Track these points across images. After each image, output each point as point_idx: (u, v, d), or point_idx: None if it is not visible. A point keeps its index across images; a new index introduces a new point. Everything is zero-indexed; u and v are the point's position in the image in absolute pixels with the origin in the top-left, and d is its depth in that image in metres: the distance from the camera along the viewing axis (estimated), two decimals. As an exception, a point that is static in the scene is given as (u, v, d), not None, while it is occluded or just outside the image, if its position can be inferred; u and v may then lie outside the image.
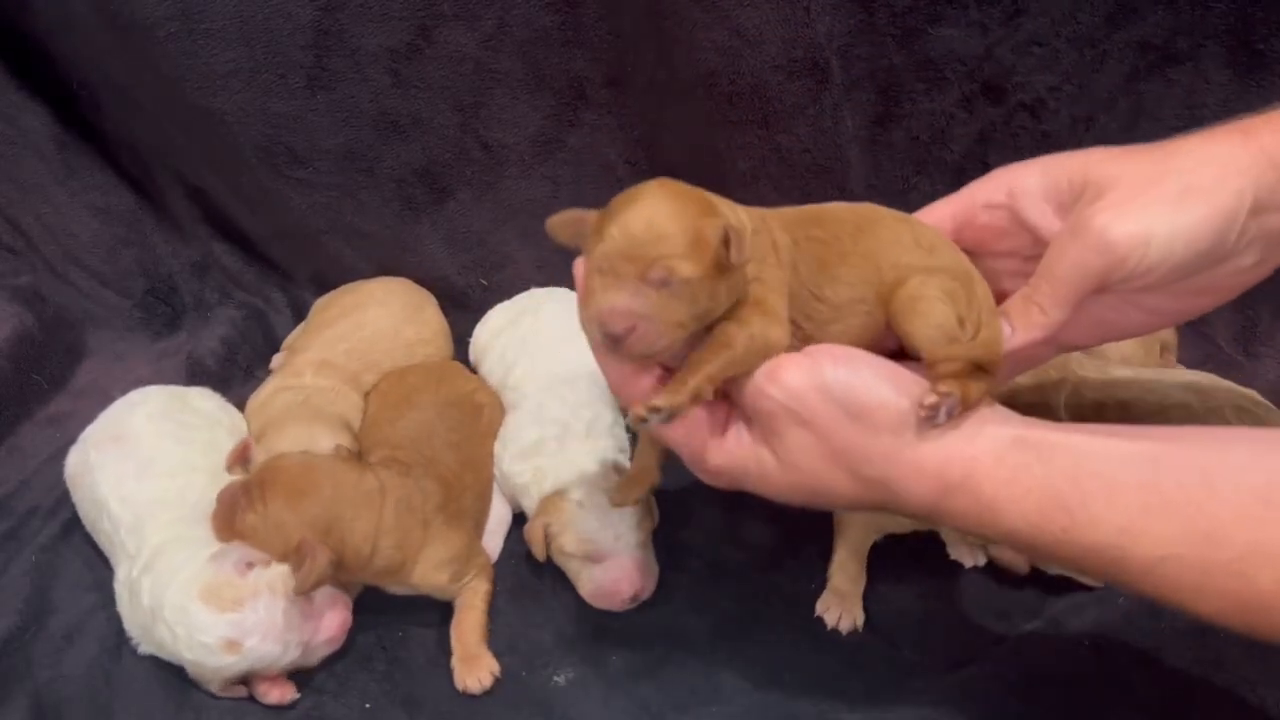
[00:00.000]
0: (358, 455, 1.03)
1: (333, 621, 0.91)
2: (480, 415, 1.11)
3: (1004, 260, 0.74)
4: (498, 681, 0.91)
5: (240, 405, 1.12)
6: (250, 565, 0.88)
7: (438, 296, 1.27)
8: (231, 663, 0.86)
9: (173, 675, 0.91)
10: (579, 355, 1.04)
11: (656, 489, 0.86)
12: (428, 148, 1.23)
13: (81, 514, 1.03)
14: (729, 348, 0.66)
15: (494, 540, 1.05)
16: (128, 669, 0.92)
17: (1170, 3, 1.04)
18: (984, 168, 0.75)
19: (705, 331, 0.67)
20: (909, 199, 0.77)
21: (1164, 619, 0.88)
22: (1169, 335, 1.06)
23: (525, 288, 1.25)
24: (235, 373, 1.26)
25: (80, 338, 1.30)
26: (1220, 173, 0.64)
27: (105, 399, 1.09)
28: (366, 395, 1.14)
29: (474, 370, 1.21)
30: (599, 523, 0.94)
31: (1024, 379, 0.92)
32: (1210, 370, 1.00)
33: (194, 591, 0.86)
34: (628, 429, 1.08)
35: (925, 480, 0.65)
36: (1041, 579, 0.93)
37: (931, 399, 0.64)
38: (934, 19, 1.06)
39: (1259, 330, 1.16)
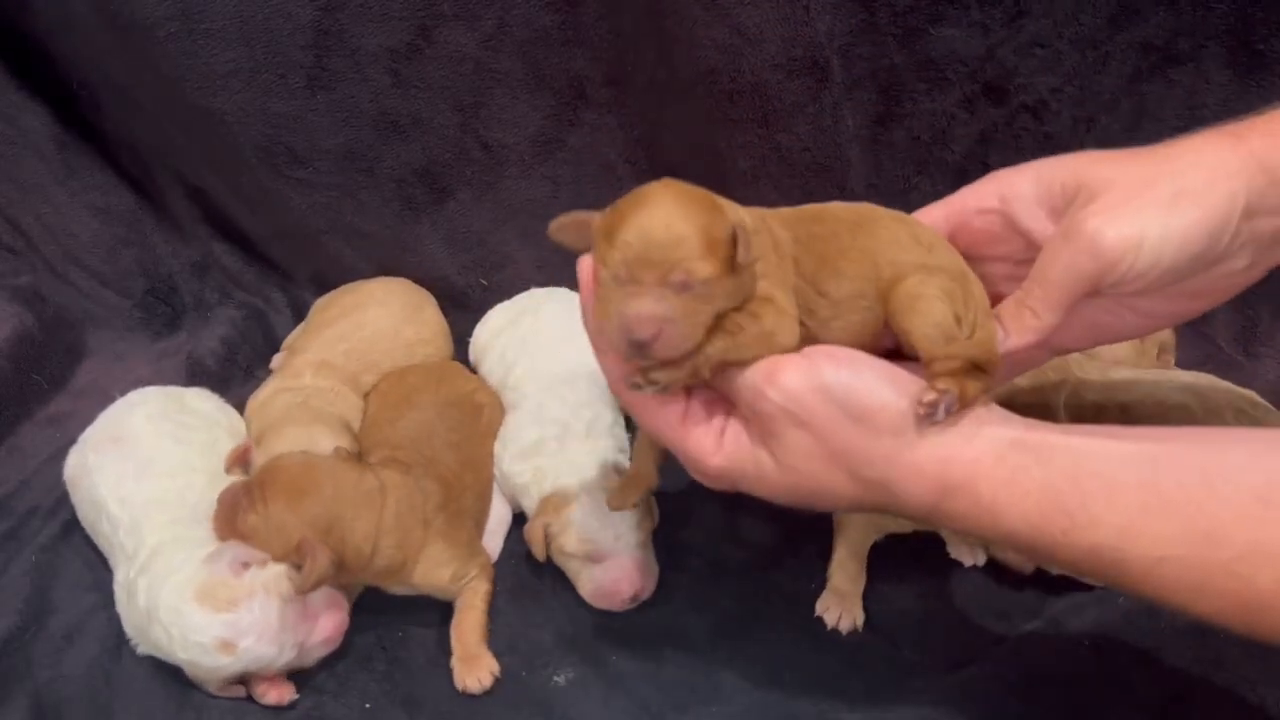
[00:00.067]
0: (358, 456, 1.03)
1: (329, 623, 0.91)
2: (480, 415, 1.11)
3: (997, 264, 0.74)
4: (498, 681, 0.91)
5: (240, 405, 1.12)
6: (245, 565, 0.88)
7: (438, 296, 1.27)
8: (227, 663, 0.86)
9: (173, 675, 0.91)
10: (579, 355, 1.04)
11: (655, 490, 0.86)
12: (428, 148, 1.23)
13: (81, 515, 1.03)
14: (735, 335, 0.66)
15: (494, 540, 1.05)
16: (128, 669, 0.93)
17: (1171, 4, 1.04)
18: (985, 168, 0.75)
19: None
20: (910, 199, 0.77)
21: (1164, 619, 0.88)
22: (1167, 336, 1.06)
23: (525, 288, 1.25)
24: (235, 373, 1.26)
25: (80, 338, 1.30)
26: (1212, 176, 0.64)
27: (105, 399, 1.09)
28: (366, 395, 1.14)
29: (474, 370, 1.21)
30: (599, 523, 0.94)
31: (1023, 380, 0.92)
32: (1210, 370, 1.00)
33: (189, 592, 0.86)
34: (628, 428, 1.08)
35: (924, 482, 0.65)
36: (1042, 579, 0.93)
37: (930, 396, 0.64)
38: (935, 19, 1.06)
39: (1259, 330, 1.16)
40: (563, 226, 0.67)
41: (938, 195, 0.77)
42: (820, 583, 0.96)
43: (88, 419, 1.07)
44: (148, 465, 1.00)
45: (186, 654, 0.86)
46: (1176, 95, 1.10)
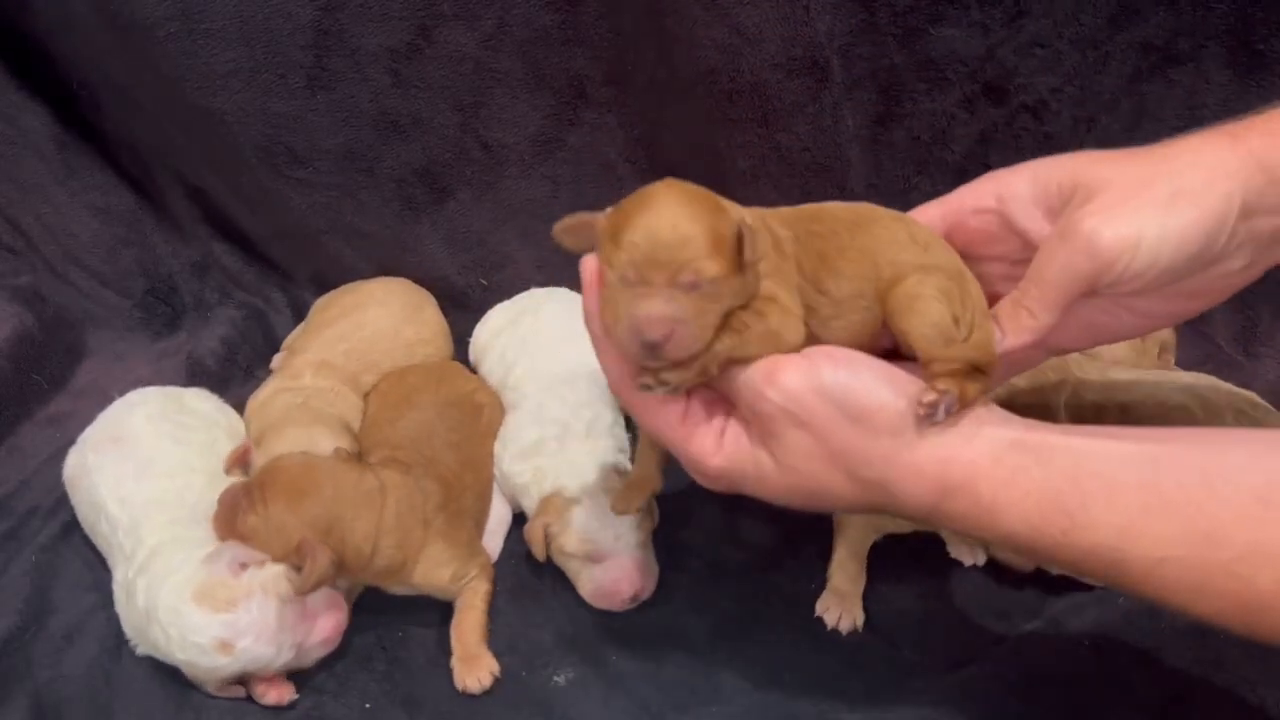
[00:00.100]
0: (357, 456, 1.03)
1: (328, 623, 0.91)
2: (480, 415, 1.11)
3: (994, 264, 0.74)
4: (498, 681, 0.91)
5: (240, 405, 1.12)
6: (244, 566, 0.88)
7: (438, 296, 1.27)
8: (225, 664, 0.86)
9: (172, 675, 0.91)
10: (579, 355, 1.05)
11: (658, 494, 0.86)
12: (428, 148, 1.23)
13: (80, 517, 1.03)
14: (741, 333, 0.66)
15: (494, 540, 1.05)
16: (128, 669, 0.93)
17: (1171, 4, 1.04)
18: (985, 169, 0.74)
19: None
20: (910, 199, 0.77)
21: (1164, 619, 0.88)
22: (1168, 335, 1.06)
23: (525, 288, 1.25)
24: (235, 373, 1.26)
25: (80, 338, 1.30)
26: (1209, 176, 0.64)
27: (105, 399, 1.09)
28: (366, 396, 1.14)
29: (474, 370, 1.21)
30: (599, 523, 0.94)
31: (1022, 381, 0.92)
32: (1210, 370, 1.00)
33: (187, 592, 0.86)
34: (628, 428, 1.08)
35: (924, 482, 0.65)
36: (1042, 579, 0.93)
37: (930, 397, 0.64)
38: (936, 19, 1.06)
39: (1259, 330, 1.16)
40: (566, 229, 0.67)
41: (938, 195, 0.77)
42: (820, 583, 0.96)
43: (88, 419, 1.07)
44: (147, 465, 1.00)
45: (185, 654, 0.86)
46: (1176, 95, 1.10)
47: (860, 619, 0.94)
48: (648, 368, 0.66)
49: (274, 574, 0.88)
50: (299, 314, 1.31)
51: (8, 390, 1.19)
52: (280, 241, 1.33)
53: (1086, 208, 0.66)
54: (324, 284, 1.30)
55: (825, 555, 0.97)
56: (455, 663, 0.92)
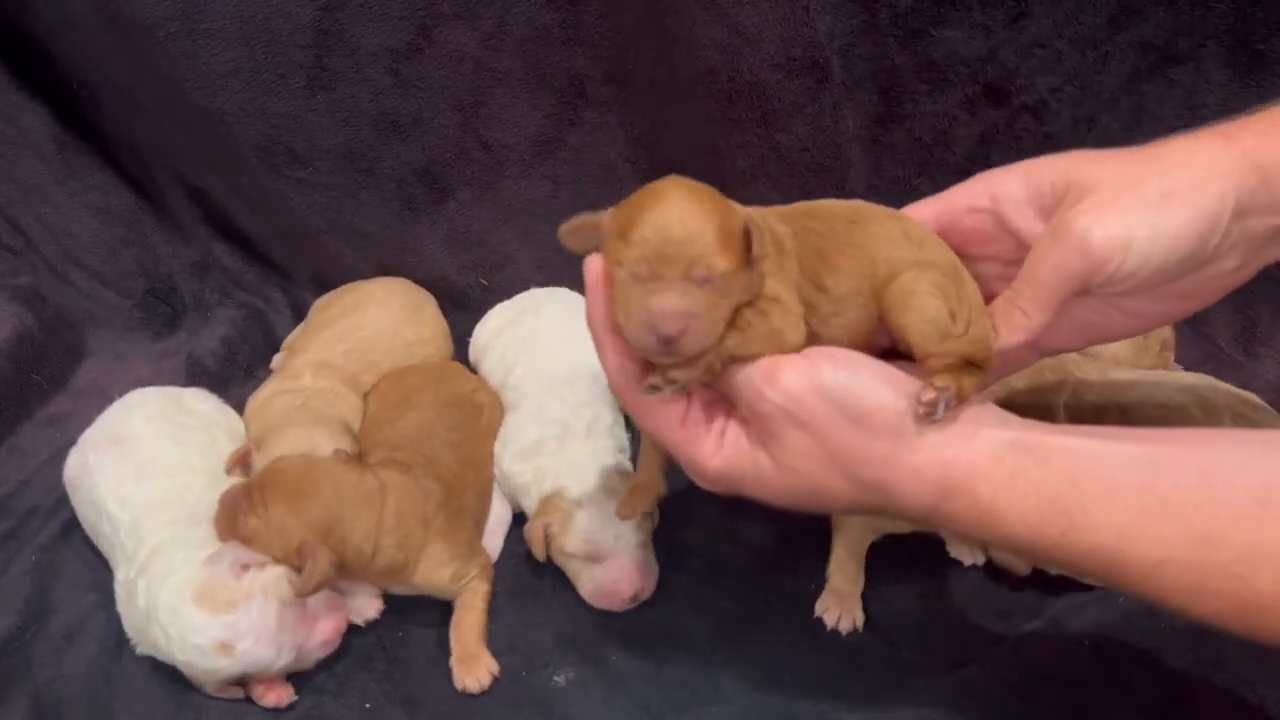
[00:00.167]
0: (358, 457, 1.03)
1: (328, 626, 0.91)
2: (480, 415, 1.11)
3: (988, 264, 0.74)
4: (497, 681, 0.91)
5: (240, 405, 1.12)
6: (245, 567, 0.88)
7: (438, 296, 1.27)
8: (225, 665, 0.86)
9: (172, 675, 0.91)
10: (579, 355, 1.05)
11: (662, 497, 0.86)
12: (428, 148, 1.23)
13: (81, 517, 1.03)
14: (744, 331, 0.66)
15: (494, 540, 1.05)
16: (128, 669, 0.93)
17: (1171, 4, 1.04)
18: (986, 169, 0.74)
19: None
20: (910, 200, 0.77)
21: (1164, 619, 0.88)
22: (1167, 333, 1.06)
23: (525, 288, 1.25)
24: (235, 373, 1.26)
25: (80, 338, 1.30)
26: (1202, 176, 0.64)
27: (105, 399, 1.09)
28: (365, 396, 1.14)
29: (474, 370, 1.21)
30: (599, 523, 0.94)
31: (1021, 382, 0.92)
32: (1210, 370, 1.00)
33: (188, 593, 0.87)
34: (628, 428, 1.08)
35: (923, 484, 0.65)
36: (1042, 579, 0.93)
37: (929, 394, 0.64)
38: (937, 20, 1.06)
39: (1259, 330, 1.16)
40: (571, 230, 0.67)
41: (937, 196, 0.77)
42: (820, 583, 0.96)
43: (88, 419, 1.07)
44: (147, 466, 1.00)
45: (185, 655, 0.86)
46: (1176, 95, 1.10)
47: (860, 619, 0.94)
48: (658, 365, 0.66)
49: (275, 576, 0.88)
50: (299, 314, 1.31)
51: (8, 390, 1.19)
52: (280, 241, 1.33)
53: (1078, 207, 0.66)
54: (324, 284, 1.30)
55: (825, 555, 0.97)
56: (454, 663, 0.92)
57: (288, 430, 1.03)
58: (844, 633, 0.93)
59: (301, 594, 0.87)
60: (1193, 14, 1.05)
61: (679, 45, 1.10)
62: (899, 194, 1.16)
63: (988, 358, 0.68)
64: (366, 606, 0.96)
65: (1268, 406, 0.89)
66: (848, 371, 0.65)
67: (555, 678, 0.92)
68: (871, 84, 1.11)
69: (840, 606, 0.94)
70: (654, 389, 0.66)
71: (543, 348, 1.13)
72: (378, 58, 1.17)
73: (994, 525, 0.64)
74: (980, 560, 0.97)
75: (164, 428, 1.04)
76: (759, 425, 0.68)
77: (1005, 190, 0.71)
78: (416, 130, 1.22)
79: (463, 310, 1.28)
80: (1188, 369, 1.04)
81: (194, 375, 1.23)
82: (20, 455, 1.16)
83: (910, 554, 0.97)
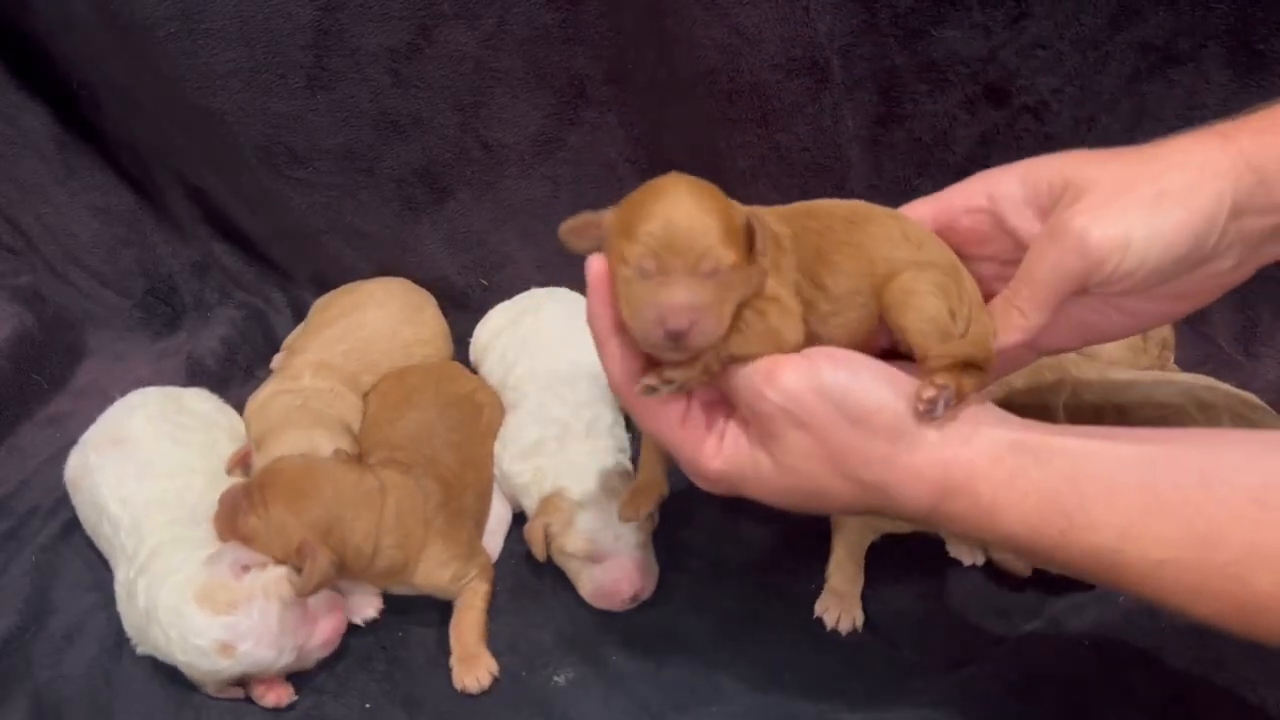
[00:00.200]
0: (358, 457, 1.03)
1: (328, 626, 0.91)
2: (480, 415, 1.11)
3: (985, 264, 0.74)
4: (497, 681, 0.91)
5: (240, 405, 1.12)
6: (246, 568, 0.88)
7: (438, 296, 1.27)
8: (225, 666, 0.86)
9: (172, 675, 0.91)
10: (579, 355, 1.05)
11: (665, 498, 0.86)
12: (428, 148, 1.23)
13: (81, 518, 1.03)
14: (743, 331, 0.66)
15: (494, 540, 1.05)
16: (128, 669, 0.93)
17: (1171, 4, 1.04)
18: (986, 170, 0.74)
19: None
20: (910, 200, 0.77)
21: (1164, 619, 0.88)
22: (1167, 334, 1.06)
23: (525, 288, 1.25)
24: (235, 373, 1.26)
25: (80, 338, 1.30)
26: (1199, 176, 0.64)
27: (105, 399, 1.09)
28: (365, 396, 1.14)
29: (474, 370, 1.21)
30: (599, 522, 0.94)
31: (1020, 381, 0.92)
32: (1210, 370, 1.00)
33: (189, 593, 0.87)
34: (628, 428, 1.08)
35: (923, 484, 0.65)
36: (1042, 579, 0.93)
37: (929, 392, 0.64)
38: (937, 20, 1.06)
39: (1259, 330, 1.16)
40: (572, 229, 0.67)
41: (937, 197, 0.77)
42: (820, 584, 0.96)
43: (88, 419, 1.07)
44: (147, 466, 1.00)
45: (185, 656, 0.86)
46: (1176, 95, 1.10)
47: (860, 619, 0.94)
48: (658, 362, 0.66)
49: (276, 577, 0.88)
50: (299, 314, 1.31)
51: (8, 390, 1.19)
52: (280, 241, 1.33)
53: (1075, 207, 0.66)
54: (324, 284, 1.30)
55: (825, 555, 0.97)
56: (454, 663, 0.92)
57: (288, 430, 1.03)
58: (844, 633, 0.93)
59: (301, 594, 0.87)
60: (1193, 14, 1.05)
61: (679, 45, 1.10)
62: (899, 194, 1.15)
63: (989, 357, 0.68)
64: (366, 606, 0.96)
65: (1267, 407, 0.89)
66: (847, 371, 0.65)
67: (555, 678, 0.92)
68: (871, 84, 1.11)
69: (840, 606, 0.94)
70: (651, 389, 0.66)
71: (543, 348, 1.13)
72: (378, 58, 1.17)
73: (994, 525, 0.64)
74: (980, 560, 0.97)
75: (164, 428, 1.04)
76: (759, 425, 0.68)
77: (1003, 190, 0.71)
78: (416, 130, 1.22)
79: (463, 310, 1.28)
80: (1188, 369, 1.04)
81: (194, 375, 1.23)
82: (20, 455, 1.16)
83: (910, 554, 0.97)
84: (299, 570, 0.88)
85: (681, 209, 0.63)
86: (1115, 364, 0.98)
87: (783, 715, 0.87)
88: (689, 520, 1.03)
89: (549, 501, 0.98)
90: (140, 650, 0.92)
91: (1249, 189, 0.64)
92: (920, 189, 1.09)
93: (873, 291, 0.70)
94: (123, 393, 1.09)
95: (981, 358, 0.67)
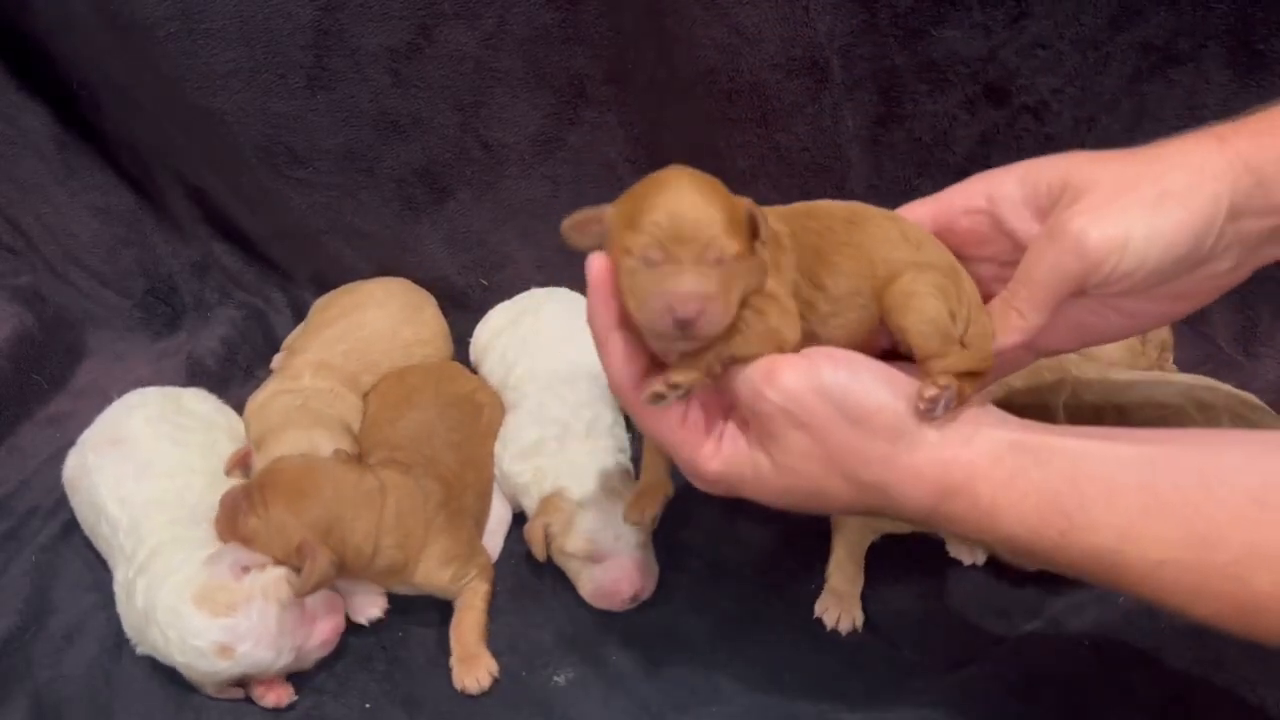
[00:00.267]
0: (358, 458, 1.03)
1: (326, 627, 0.91)
2: (480, 415, 1.11)
3: (984, 265, 0.74)
4: (497, 681, 0.91)
5: (240, 406, 1.12)
6: (246, 569, 0.88)
7: (438, 296, 1.27)
8: (224, 667, 0.86)
9: (172, 676, 0.91)
10: (579, 355, 1.05)
11: (670, 499, 0.86)
12: (428, 147, 1.23)
13: (80, 518, 1.03)
14: (742, 332, 0.66)
15: (494, 540, 1.05)
16: (128, 669, 0.93)
17: (1171, 4, 1.04)
18: (986, 170, 0.74)
19: None
20: (910, 200, 0.77)
21: (1164, 619, 0.88)
22: (1166, 335, 1.06)
23: (525, 288, 1.25)
24: (235, 373, 1.26)
25: (80, 338, 1.30)
26: (1197, 178, 0.64)
27: (105, 399, 1.09)
28: (365, 396, 1.14)
29: (475, 370, 1.21)
30: (599, 522, 0.94)
31: (1020, 382, 0.92)
32: (1210, 370, 1.00)
33: (187, 594, 0.87)
34: (628, 428, 1.08)
35: (923, 485, 0.65)
36: (1042, 578, 0.93)
37: (931, 391, 0.64)
38: (937, 20, 1.06)
39: (1259, 330, 1.16)
40: (574, 225, 0.67)
41: (937, 198, 0.77)
42: (819, 584, 0.96)
43: (88, 419, 1.07)
44: (146, 466, 1.00)
45: (184, 657, 0.86)
46: (1176, 95, 1.10)
47: (859, 619, 0.94)
48: (659, 362, 0.66)
49: (275, 578, 0.88)
50: (299, 314, 1.31)
51: (8, 390, 1.19)
52: (280, 241, 1.33)
53: (1074, 208, 0.66)
54: (324, 284, 1.30)
55: (825, 555, 0.97)
56: (454, 663, 0.92)
57: (287, 431, 1.03)
58: (844, 633, 0.93)
59: (300, 594, 0.87)
60: (1193, 14, 1.05)
61: (679, 45, 1.10)
62: (899, 194, 1.15)
63: (988, 358, 0.68)
64: (370, 605, 0.96)
65: (1266, 407, 0.89)
66: (847, 372, 0.65)
67: (555, 678, 0.92)
68: (871, 84, 1.11)
69: (840, 607, 0.94)
70: (658, 398, 0.66)
71: (543, 348, 1.13)
72: (378, 58, 1.17)
73: (993, 526, 0.64)
74: (980, 560, 0.97)
75: (164, 428, 1.04)
76: (758, 426, 0.68)
77: (1001, 191, 0.71)
78: (416, 130, 1.22)
79: (463, 310, 1.28)
80: (1187, 369, 1.04)
81: (194, 375, 1.23)
82: (20, 455, 1.16)
83: (910, 554, 0.97)
84: (299, 570, 0.88)
85: (686, 200, 0.63)
86: (1111, 364, 0.98)
87: (783, 715, 0.87)
88: (688, 520, 1.03)
89: (549, 501, 0.98)
90: (140, 650, 0.92)
91: (1247, 191, 0.64)
92: (920, 189, 1.09)
93: (872, 292, 0.70)
94: (122, 393, 1.09)
95: (982, 359, 0.67)
